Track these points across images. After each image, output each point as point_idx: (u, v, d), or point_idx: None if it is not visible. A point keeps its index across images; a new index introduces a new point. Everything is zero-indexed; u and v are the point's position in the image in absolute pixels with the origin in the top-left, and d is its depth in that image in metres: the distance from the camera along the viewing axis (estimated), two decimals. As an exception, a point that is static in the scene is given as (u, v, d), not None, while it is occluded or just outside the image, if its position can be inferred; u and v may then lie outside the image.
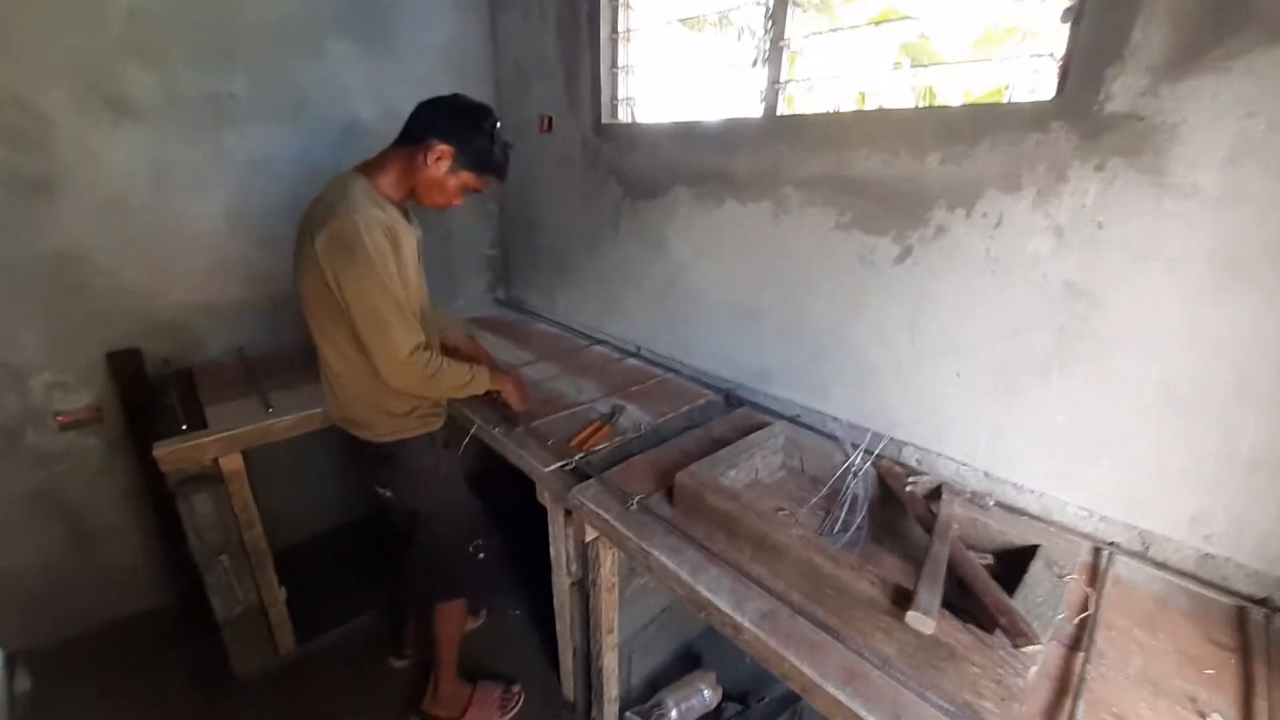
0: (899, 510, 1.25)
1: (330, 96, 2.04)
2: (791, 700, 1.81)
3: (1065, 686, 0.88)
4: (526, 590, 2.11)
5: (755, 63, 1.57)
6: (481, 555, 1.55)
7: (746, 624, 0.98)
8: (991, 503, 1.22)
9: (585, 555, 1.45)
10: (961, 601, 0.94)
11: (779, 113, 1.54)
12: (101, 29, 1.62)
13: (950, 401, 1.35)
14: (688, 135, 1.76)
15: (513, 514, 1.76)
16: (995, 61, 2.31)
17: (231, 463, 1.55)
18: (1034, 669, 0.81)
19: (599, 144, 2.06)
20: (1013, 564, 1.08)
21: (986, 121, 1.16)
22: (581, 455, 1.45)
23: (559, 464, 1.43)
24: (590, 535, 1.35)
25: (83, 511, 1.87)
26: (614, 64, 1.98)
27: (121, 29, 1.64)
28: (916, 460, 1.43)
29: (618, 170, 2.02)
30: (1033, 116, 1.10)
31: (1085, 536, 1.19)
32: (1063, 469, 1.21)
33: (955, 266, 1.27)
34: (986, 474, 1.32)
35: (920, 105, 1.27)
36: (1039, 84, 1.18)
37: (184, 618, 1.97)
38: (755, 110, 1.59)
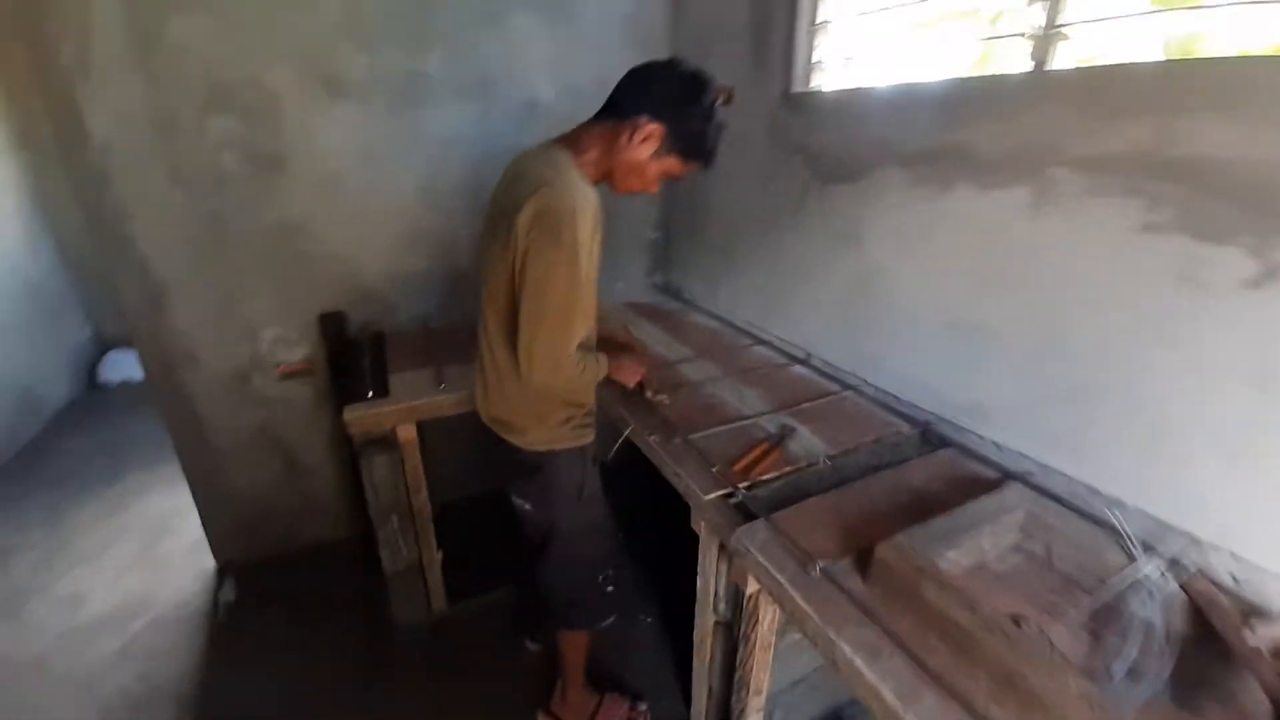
0: (1212, 657, 0.85)
1: (512, 73, 2.02)
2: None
3: None
4: (659, 589, 2.00)
5: (1029, -1, 1.17)
6: (611, 588, 1.45)
7: None
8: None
9: (739, 600, 1.25)
10: None
11: (1050, 67, 1.13)
12: (317, 10, 1.73)
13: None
14: (905, 103, 1.41)
15: (651, 504, 1.63)
16: None
17: (406, 432, 1.63)
18: None
19: (786, 117, 1.78)
20: None
21: None
22: (747, 485, 1.24)
23: (720, 492, 1.23)
24: (752, 588, 1.14)
25: (295, 449, 2.15)
26: (813, 20, 1.67)
27: (335, 10, 1.74)
28: (1232, 575, 0.98)
29: (806, 148, 1.72)
30: None
31: None
32: None
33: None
34: (1375, 621, 0.85)
35: None
36: None
37: (364, 553, 2.20)
38: (1014, 65, 1.19)
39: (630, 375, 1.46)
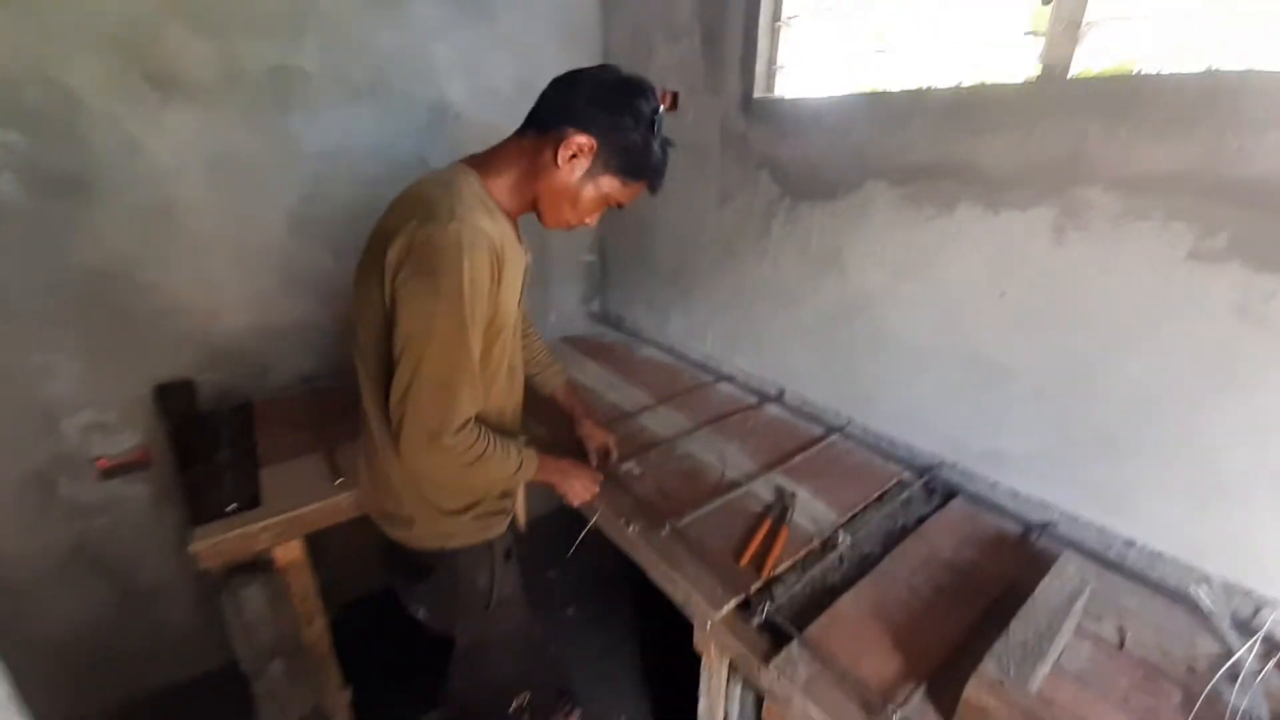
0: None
1: (414, 70, 1.65)
2: None
3: None
4: (633, 679, 1.70)
5: (1040, -2, 1.03)
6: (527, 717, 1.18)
7: None
8: None
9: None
10: None
11: (1072, 74, 1.01)
12: (141, -17, 1.27)
13: None
14: (893, 111, 1.24)
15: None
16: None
17: (289, 552, 1.20)
18: None
19: (747, 126, 1.57)
20: None
21: None
22: (762, 586, 0.99)
23: (733, 603, 0.97)
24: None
25: (129, 568, 1.59)
26: (776, 14, 1.48)
27: (166, -17, 1.29)
28: (1309, 636, 0.88)
29: (773, 161, 1.53)
30: None
31: None
32: None
33: None
34: None
35: None
36: None
37: (242, 683, 1.69)
38: (1023, 71, 1.05)
39: (578, 492, 1.17)
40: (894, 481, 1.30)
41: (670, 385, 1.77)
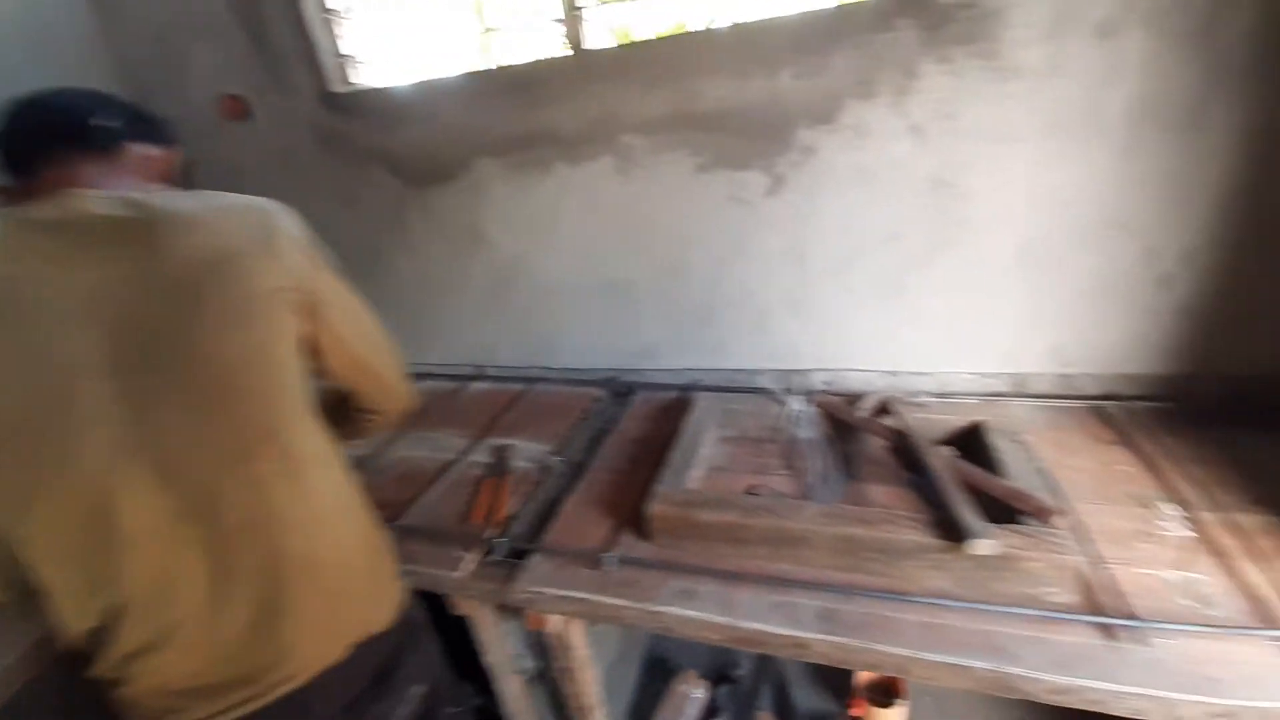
0: (853, 439, 1.24)
1: None
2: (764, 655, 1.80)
3: (1076, 534, 0.91)
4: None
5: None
6: None
7: (813, 636, 0.83)
8: (927, 398, 1.29)
9: (541, 644, 1.14)
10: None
11: (586, 46, 1.30)
12: None
13: (846, 316, 1.37)
14: (476, 92, 1.40)
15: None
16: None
17: None
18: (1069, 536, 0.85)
19: (340, 122, 1.53)
20: (964, 446, 1.16)
21: (834, 26, 1.12)
22: (499, 533, 1.09)
23: (475, 557, 1.06)
24: (555, 624, 1.04)
25: None
26: (324, 6, 1.45)
27: None
28: (825, 383, 1.44)
29: (384, 154, 1.54)
30: (877, 15, 1.09)
31: (978, 394, 1.34)
32: (948, 345, 1.34)
33: (829, 185, 1.25)
34: (890, 372, 1.40)
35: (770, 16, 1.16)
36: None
37: None
38: (558, 48, 1.31)
39: None
40: (591, 401, 1.55)
41: (364, 403, 1.68)
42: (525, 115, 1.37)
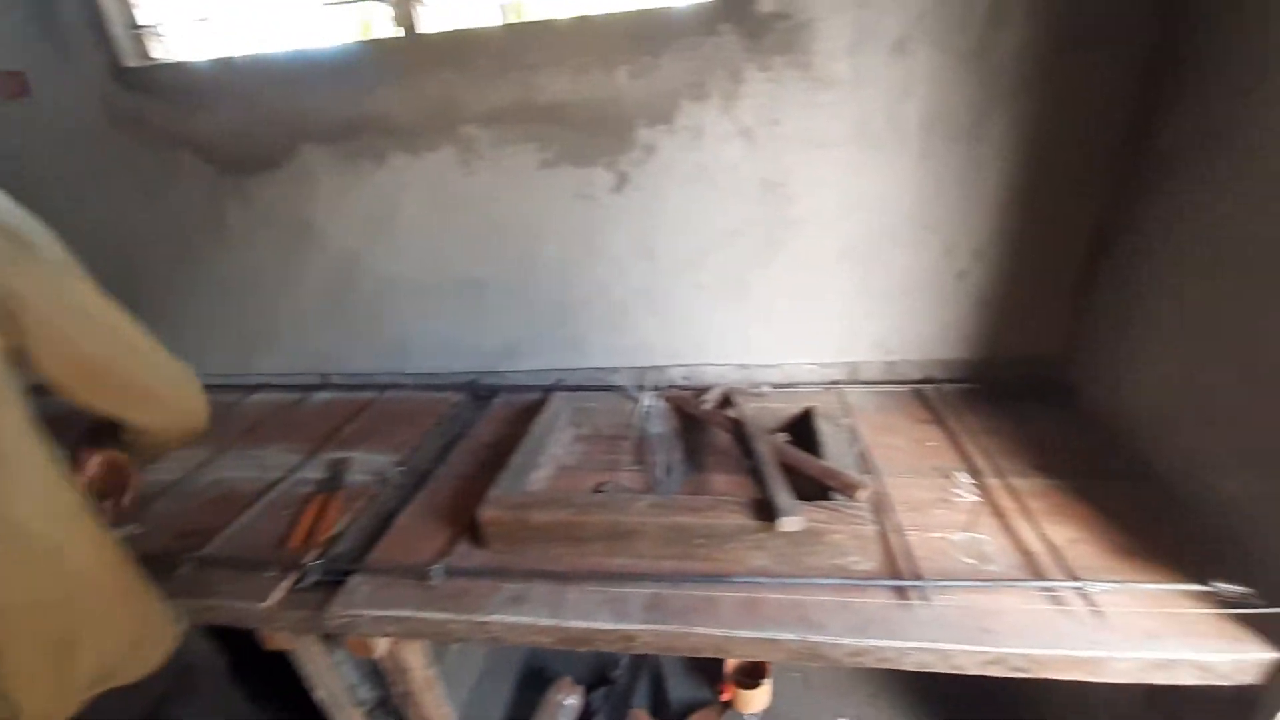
0: (699, 430, 1.27)
1: None
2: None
3: (880, 506, 1.00)
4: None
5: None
6: None
7: (638, 628, 0.83)
8: (767, 388, 1.35)
9: (377, 670, 1.05)
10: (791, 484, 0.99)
11: (421, 30, 1.24)
12: None
13: (697, 312, 1.41)
14: (298, 73, 1.28)
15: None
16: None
17: None
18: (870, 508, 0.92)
19: (138, 101, 1.34)
20: (797, 432, 1.22)
21: (665, 26, 1.14)
22: (316, 555, 0.99)
23: (287, 583, 0.95)
24: (382, 648, 0.96)
25: None
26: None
27: None
28: (684, 377, 1.47)
29: (193, 137, 1.36)
30: (703, 19, 1.12)
31: (819, 383, 1.42)
32: (791, 337, 1.41)
33: (672, 183, 1.27)
34: (741, 365, 1.45)
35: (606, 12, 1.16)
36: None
37: None
38: (390, 29, 1.23)
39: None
40: (447, 406, 1.47)
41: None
42: (353, 101, 1.27)
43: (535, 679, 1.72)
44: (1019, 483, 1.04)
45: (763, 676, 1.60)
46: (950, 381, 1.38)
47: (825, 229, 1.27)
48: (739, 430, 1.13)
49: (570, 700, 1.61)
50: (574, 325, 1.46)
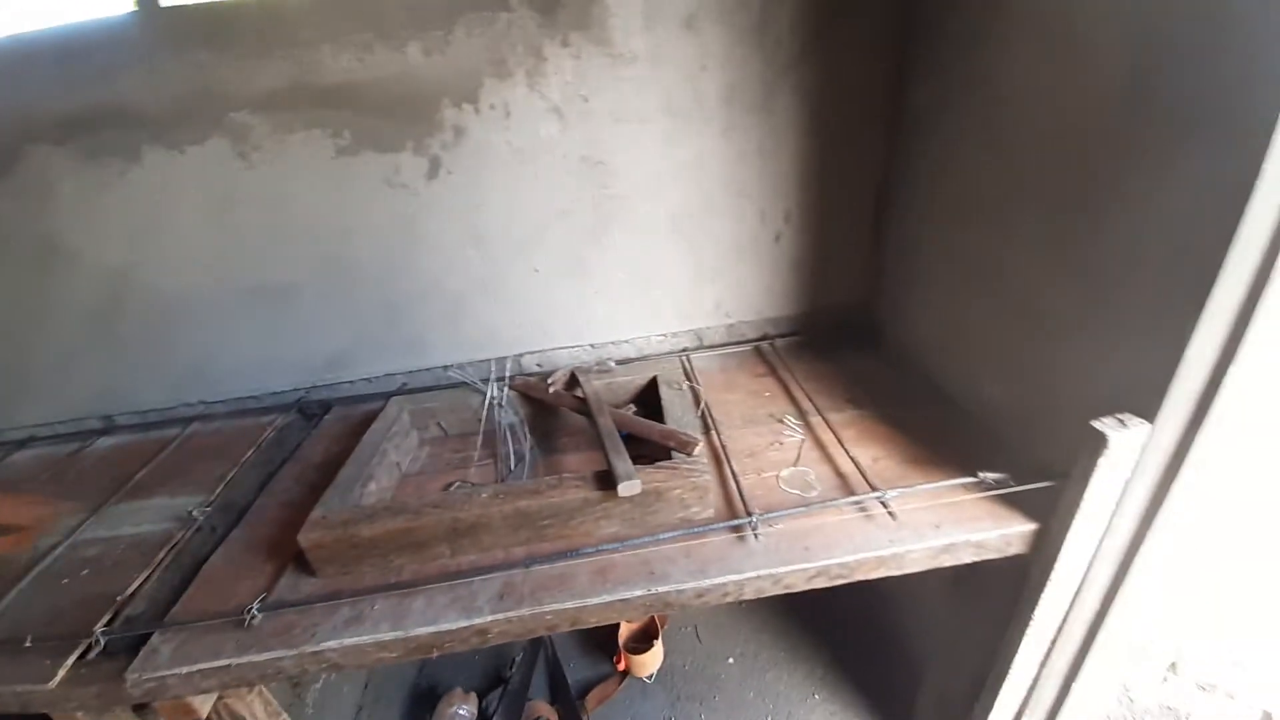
0: (551, 414, 1.26)
1: None
2: (535, 641, 1.77)
3: (718, 457, 1.06)
4: None
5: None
6: None
7: (488, 619, 0.81)
8: (612, 364, 1.36)
9: None
10: (637, 450, 1.02)
11: (167, 4, 1.06)
12: None
13: (540, 296, 1.38)
14: (13, 61, 1.04)
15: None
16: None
17: None
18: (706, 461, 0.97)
19: None
20: (646, 401, 1.26)
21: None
22: (104, 627, 0.84)
23: (71, 660, 0.79)
24: (206, 707, 0.84)
25: None
26: None
27: None
28: (538, 364, 1.45)
29: None
30: (486, -8, 1.08)
31: (670, 352, 1.47)
32: (636, 312, 1.44)
33: (489, 166, 1.22)
34: (592, 345, 1.46)
35: None
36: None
37: None
38: (121, 5, 1.04)
39: None
40: (269, 430, 1.31)
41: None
42: (88, 89, 1.07)
43: (426, 698, 1.63)
44: (835, 417, 1.15)
45: (654, 639, 1.65)
46: (782, 336, 1.49)
47: (650, 201, 1.31)
48: (584, 408, 1.14)
49: (463, 710, 1.54)
50: (409, 324, 1.37)
